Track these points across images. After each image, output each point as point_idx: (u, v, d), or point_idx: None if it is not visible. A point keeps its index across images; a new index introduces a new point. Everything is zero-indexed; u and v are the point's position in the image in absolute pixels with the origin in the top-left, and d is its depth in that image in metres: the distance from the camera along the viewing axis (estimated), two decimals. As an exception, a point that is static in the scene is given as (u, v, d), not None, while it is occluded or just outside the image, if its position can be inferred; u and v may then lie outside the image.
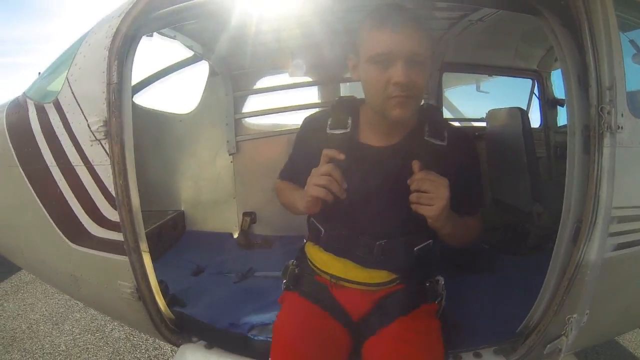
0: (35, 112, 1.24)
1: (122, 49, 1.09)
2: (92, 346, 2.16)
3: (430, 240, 1.06)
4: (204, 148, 2.39)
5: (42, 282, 2.67)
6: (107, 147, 1.06)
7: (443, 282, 1.11)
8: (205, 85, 2.32)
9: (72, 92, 1.14)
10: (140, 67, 1.90)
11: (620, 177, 1.03)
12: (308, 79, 2.39)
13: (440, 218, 0.89)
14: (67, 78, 1.16)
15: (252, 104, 2.40)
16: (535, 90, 2.65)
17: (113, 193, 1.07)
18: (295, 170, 1.15)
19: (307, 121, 1.16)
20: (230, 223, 2.44)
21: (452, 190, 0.88)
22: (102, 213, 1.11)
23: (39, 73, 1.56)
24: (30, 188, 1.26)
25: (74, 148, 1.13)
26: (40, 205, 1.25)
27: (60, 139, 1.16)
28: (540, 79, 2.61)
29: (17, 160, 1.30)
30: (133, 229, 1.09)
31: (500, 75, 2.66)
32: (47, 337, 2.22)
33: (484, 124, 2.33)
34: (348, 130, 1.02)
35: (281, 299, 1.14)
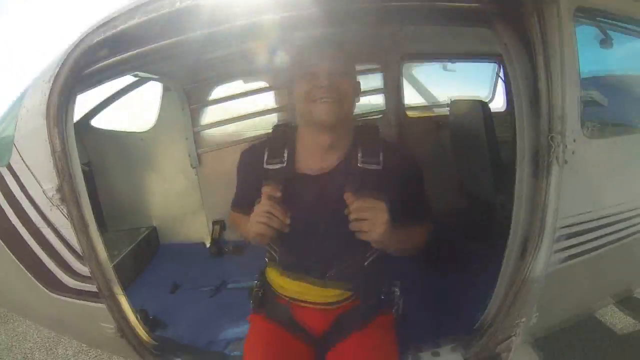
0: (-8, 174, 1.42)
1: (58, 114, 1.26)
2: (89, 365, 2.49)
3: (377, 252, 1.23)
4: (168, 163, 2.66)
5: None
6: (65, 211, 1.28)
7: (399, 292, 1.33)
8: (161, 102, 2.54)
9: (22, 159, 1.33)
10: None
11: (568, 197, 1.17)
12: (263, 84, 2.56)
13: (384, 240, 1.02)
14: (14, 144, 1.34)
15: (211, 115, 2.61)
16: (500, 73, 2.84)
17: (79, 252, 1.31)
18: (243, 200, 1.33)
19: (245, 156, 1.33)
20: (201, 232, 2.78)
21: (393, 209, 1.02)
22: (73, 268, 1.36)
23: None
24: (3, 245, 1.48)
25: (35, 211, 1.35)
26: (15, 260, 1.48)
27: (21, 202, 1.37)
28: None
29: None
30: (104, 279, 1.34)
31: (464, 61, 2.85)
32: (44, 363, 2.55)
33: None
34: (284, 164, 1.21)
35: (249, 319, 1.38)
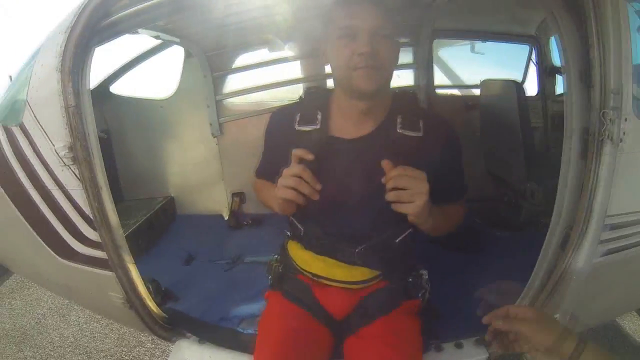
0: (4, 135, 1.38)
1: (73, 68, 1.19)
2: (99, 334, 2.50)
3: (410, 229, 1.16)
4: (188, 132, 2.61)
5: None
6: (77, 172, 1.22)
7: (427, 276, 1.24)
8: (182, 68, 2.49)
9: (35, 116, 1.27)
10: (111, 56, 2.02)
11: (618, 184, 1.08)
12: (289, 53, 2.47)
13: (423, 214, 0.94)
14: (27, 101, 1.29)
15: (234, 83, 2.54)
16: (533, 57, 2.71)
17: (90, 215, 1.26)
18: (269, 168, 1.26)
19: (275, 117, 1.25)
20: (219, 204, 2.74)
21: (432, 182, 0.93)
22: (83, 233, 1.31)
23: (10, 77, 1.68)
24: (14, 208, 1.45)
25: (46, 172, 1.29)
26: (26, 223, 1.45)
27: (32, 163, 1.31)
28: (539, 45, 2.65)
29: (-3, 181, 1.47)
30: (115, 246, 1.29)
31: (496, 41, 2.72)
32: (55, 330, 2.58)
33: (477, 92, 2.44)
34: (318, 125, 1.12)
35: (266, 296, 1.32)
